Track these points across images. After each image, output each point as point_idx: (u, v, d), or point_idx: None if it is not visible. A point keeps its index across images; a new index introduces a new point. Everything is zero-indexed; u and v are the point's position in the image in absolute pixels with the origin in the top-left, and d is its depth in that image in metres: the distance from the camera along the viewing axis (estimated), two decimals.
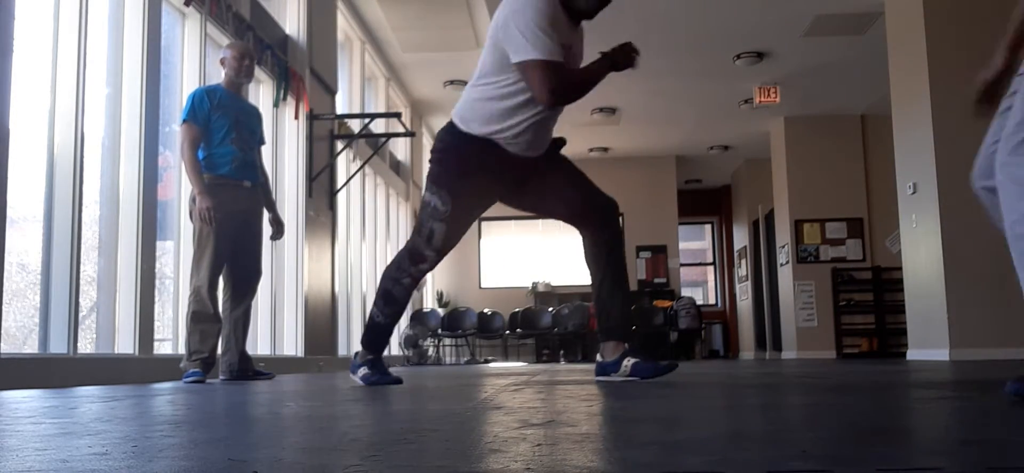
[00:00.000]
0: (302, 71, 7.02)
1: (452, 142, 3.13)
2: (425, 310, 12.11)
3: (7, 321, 3.72)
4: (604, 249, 3.21)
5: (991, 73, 2.17)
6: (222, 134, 4.32)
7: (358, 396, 2.52)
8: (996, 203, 2.00)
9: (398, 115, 8.41)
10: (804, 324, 11.70)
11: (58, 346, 4.01)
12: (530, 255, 13.89)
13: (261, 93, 6.51)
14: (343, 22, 8.25)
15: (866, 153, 11.81)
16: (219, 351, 4.35)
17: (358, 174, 8.49)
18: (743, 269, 15.20)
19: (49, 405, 2.27)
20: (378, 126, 9.01)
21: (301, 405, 2.13)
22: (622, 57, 3.11)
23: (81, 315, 4.20)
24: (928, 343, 7.02)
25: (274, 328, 6.59)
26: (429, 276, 10.03)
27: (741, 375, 4.00)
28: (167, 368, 4.59)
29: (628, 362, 3.15)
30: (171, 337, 5.18)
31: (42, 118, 4.07)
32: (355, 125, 8.37)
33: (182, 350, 4.37)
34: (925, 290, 7.06)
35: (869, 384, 2.75)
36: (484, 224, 13.71)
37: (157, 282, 4.83)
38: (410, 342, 10.87)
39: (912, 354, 7.32)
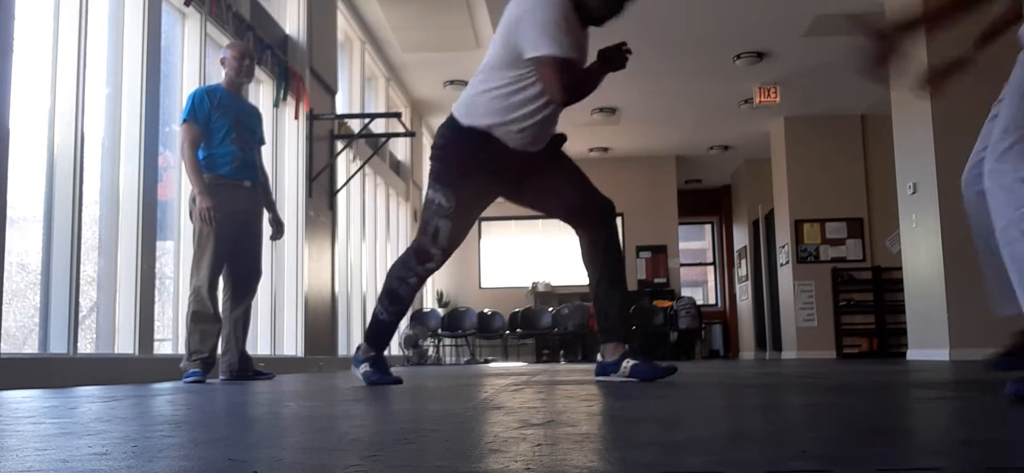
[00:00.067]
0: (302, 71, 7.02)
1: (452, 138, 3.13)
2: (425, 310, 12.11)
3: (7, 321, 3.72)
4: (601, 249, 3.21)
5: (943, 61, 2.23)
6: (222, 134, 4.32)
7: (358, 396, 2.52)
8: (984, 209, 2.01)
9: (398, 115, 8.41)
10: (804, 324, 11.70)
11: (58, 346, 4.01)
12: (530, 255, 13.89)
13: (261, 93, 6.51)
14: (343, 22, 8.25)
15: (866, 153, 11.81)
16: (219, 351, 4.35)
17: (358, 174, 8.49)
18: (743, 269, 15.20)
19: (49, 405, 2.27)
20: (378, 126, 9.00)
21: (301, 405, 2.13)
22: (617, 57, 3.15)
23: (81, 315, 4.20)
24: (928, 343, 7.02)
25: (274, 328, 6.59)
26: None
27: (741, 375, 4.00)
28: (167, 368, 4.59)
29: (628, 363, 3.15)
30: (171, 337, 5.18)
31: (42, 118, 4.07)
32: (355, 125, 8.37)
33: (182, 350, 4.37)
34: (925, 290, 7.06)
35: (869, 384, 2.75)
36: (484, 224, 13.71)
37: (157, 282, 4.83)
38: (410, 342, 10.87)
39: (912, 354, 7.32)
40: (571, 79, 3.00)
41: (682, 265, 14.48)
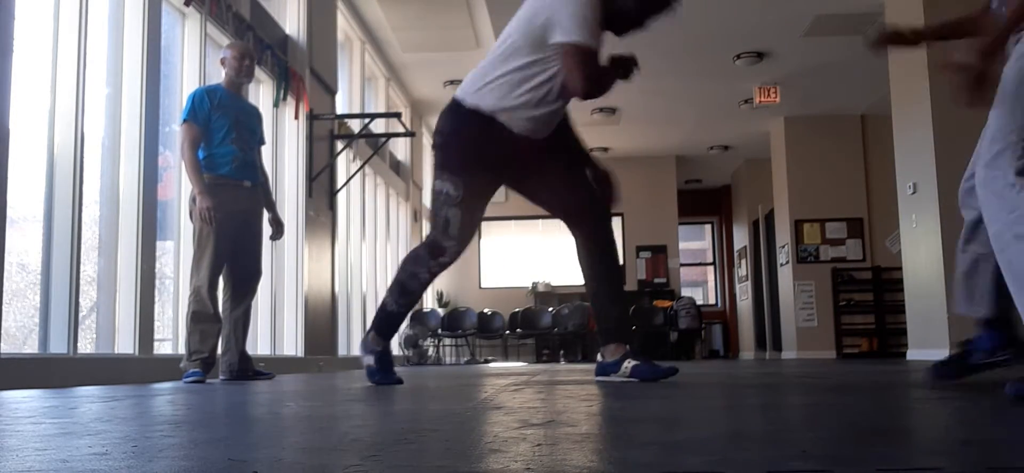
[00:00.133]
0: (302, 71, 7.02)
1: (455, 124, 3.12)
2: (425, 310, 12.11)
3: (7, 321, 3.72)
4: (597, 250, 3.21)
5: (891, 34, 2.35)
6: (222, 134, 4.32)
7: (358, 396, 2.52)
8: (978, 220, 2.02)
9: (398, 115, 8.41)
10: (804, 324, 11.70)
11: (58, 346, 4.01)
12: (530, 255, 13.89)
13: (261, 93, 6.51)
14: (343, 22, 8.25)
15: (866, 153, 11.81)
16: (219, 351, 4.35)
17: (358, 174, 8.49)
18: (743, 269, 15.20)
19: (49, 405, 2.27)
20: (378, 126, 9.00)
21: (301, 405, 2.13)
22: (626, 67, 3.16)
23: (81, 315, 4.20)
24: (928, 343, 7.01)
25: (274, 328, 6.59)
26: None
27: (741, 375, 4.00)
28: (167, 368, 4.59)
29: (628, 364, 3.15)
30: (171, 337, 5.18)
31: (42, 118, 4.07)
32: (355, 125, 8.37)
33: (182, 350, 4.37)
34: (925, 290, 7.06)
35: (869, 384, 2.75)
36: (484, 224, 13.66)
37: (157, 282, 4.83)
38: (410, 342, 10.87)
39: (912, 354, 7.32)
40: (598, 71, 3.01)
41: (682, 265, 14.48)
